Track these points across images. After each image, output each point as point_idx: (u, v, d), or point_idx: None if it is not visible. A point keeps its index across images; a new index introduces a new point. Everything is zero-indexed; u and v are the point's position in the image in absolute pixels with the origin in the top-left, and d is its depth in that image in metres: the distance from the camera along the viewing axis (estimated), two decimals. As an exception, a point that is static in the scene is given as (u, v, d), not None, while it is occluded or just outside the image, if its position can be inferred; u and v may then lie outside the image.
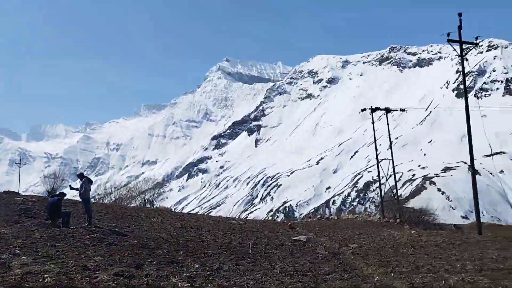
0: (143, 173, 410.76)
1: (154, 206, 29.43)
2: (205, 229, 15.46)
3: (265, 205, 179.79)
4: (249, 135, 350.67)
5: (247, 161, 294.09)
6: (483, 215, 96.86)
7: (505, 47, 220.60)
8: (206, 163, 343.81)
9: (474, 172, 18.67)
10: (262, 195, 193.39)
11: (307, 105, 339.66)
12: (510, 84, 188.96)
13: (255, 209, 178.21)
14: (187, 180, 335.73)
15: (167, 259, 9.30)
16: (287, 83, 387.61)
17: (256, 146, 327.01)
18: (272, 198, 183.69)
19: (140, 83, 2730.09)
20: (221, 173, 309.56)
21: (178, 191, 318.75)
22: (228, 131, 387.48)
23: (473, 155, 19.00)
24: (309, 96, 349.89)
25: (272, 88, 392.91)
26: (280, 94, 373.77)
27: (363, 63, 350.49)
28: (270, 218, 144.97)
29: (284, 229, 18.85)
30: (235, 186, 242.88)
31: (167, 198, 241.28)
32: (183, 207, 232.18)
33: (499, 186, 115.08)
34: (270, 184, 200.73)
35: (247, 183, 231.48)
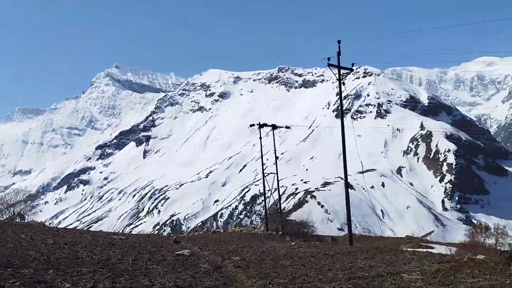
0: (14, 183, 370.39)
1: (25, 221, 26.60)
2: (81, 245, 14.34)
3: (151, 219, 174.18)
4: (137, 146, 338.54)
5: (134, 173, 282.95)
6: (356, 227, 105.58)
7: (378, 75, 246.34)
8: (89, 173, 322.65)
9: (347, 187, 20.24)
10: (149, 208, 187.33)
11: (199, 117, 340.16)
12: (381, 108, 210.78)
13: (141, 223, 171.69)
14: (65, 192, 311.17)
15: (34, 279, 8.38)
16: (179, 94, 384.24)
17: (144, 157, 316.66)
18: (159, 211, 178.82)
19: (14, 85, 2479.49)
20: (105, 184, 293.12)
21: (55, 204, 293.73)
22: (114, 140, 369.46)
23: (347, 171, 20.61)
24: (201, 108, 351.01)
25: (164, 99, 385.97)
26: (172, 105, 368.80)
27: (254, 80, 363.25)
28: (156, 232, 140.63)
29: (169, 243, 18.36)
30: (120, 199, 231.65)
31: (41, 211, 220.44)
32: (59, 222, 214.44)
33: (370, 200, 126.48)
34: (158, 197, 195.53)
35: (133, 196, 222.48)
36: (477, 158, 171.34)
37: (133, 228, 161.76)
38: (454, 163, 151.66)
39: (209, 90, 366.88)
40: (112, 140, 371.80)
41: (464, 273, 9.41)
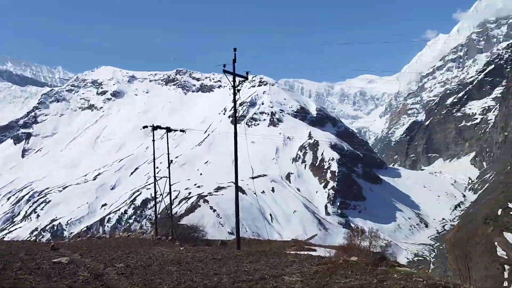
0: None
1: None
2: None
3: (28, 224, 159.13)
4: (15, 144, 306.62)
5: (10, 173, 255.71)
6: (246, 231, 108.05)
7: (272, 85, 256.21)
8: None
9: (237, 191, 20.66)
10: (26, 212, 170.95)
11: (88, 116, 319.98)
12: (274, 116, 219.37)
13: (16, 229, 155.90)
14: None
15: None
16: (67, 90, 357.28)
17: (23, 157, 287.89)
18: (38, 215, 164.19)
19: None
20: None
21: None
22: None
23: (238, 176, 21.03)
24: (91, 107, 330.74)
25: (49, 94, 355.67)
26: (58, 101, 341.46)
27: (150, 81, 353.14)
28: (33, 238, 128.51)
29: (45, 250, 16.93)
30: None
31: None
32: None
33: (260, 205, 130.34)
34: (37, 200, 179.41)
35: (8, 198, 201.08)
36: (357, 167, 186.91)
37: (6, 234, 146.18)
38: (336, 171, 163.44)
39: (101, 87, 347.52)
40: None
41: (338, 274, 10.17)
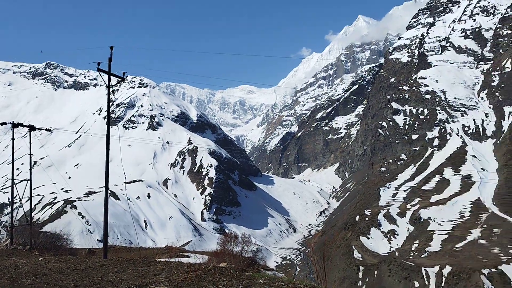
0: None
1: None
2: None
3: None
4: None
5: None
6: (118, 238, 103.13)
7: (153, 87, 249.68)
8: None
9: (107, 196, 19.63)
10: None
11: None
12: (153, 120, 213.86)
13: None
14: None
15: None
16: None
17: None
18: None
19: None
20: None
21: None
22: None
23: (108, 180, 20.00)
24: None
25: None
26: None
27: (14, 72, 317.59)
28: None
29: None
30: None
31: None
32: None
33: (134, 211, 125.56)
34: None
35: None
36: (234, 173, 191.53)
37: None
38: (214, 178, 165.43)
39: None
40: None
41: (206, 281, 10.25)
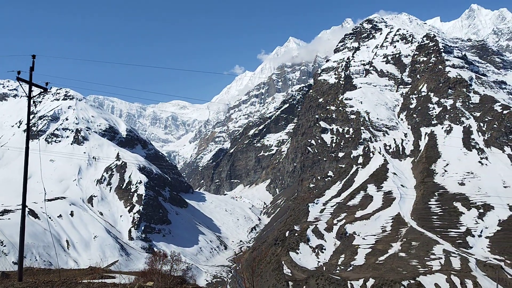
0: None
1: None
2: None
3: None
4: None
5: None
6: (36, 259, 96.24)
7: (80, 100, 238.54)
8: None
9: (24, 214, 18.38)
10: None
11: None
12: (79, 134, 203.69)
13: None
14: None
15: None
16: None
17: None
18: None
19: None
20: None
21: None
22: None
23: (26, 198, 18.76)
24: None
25: None
26: None
27: None
28: None
29: None
30: None
31: None
32: None
33: (55, 231, 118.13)
34: None
35: None
36: (164, 190, 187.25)
37: None
38: (144, 194, 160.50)
39: None
40: None
41: (131, 299, 9.93)
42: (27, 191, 18.46)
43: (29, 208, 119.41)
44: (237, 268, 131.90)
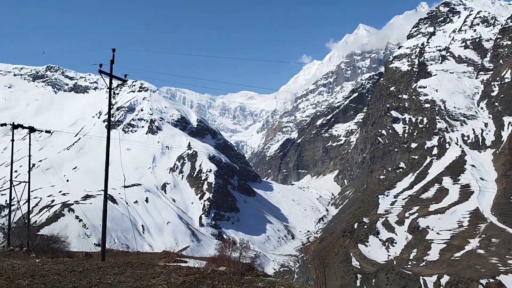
0: None
1: None
2: None
3: None
4: None
5: None
6: (115, 242, 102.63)
7: (153, 91, 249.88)
8: None
9: (106, 200, 19.56)
10: None
11: None
12: (153, 124, 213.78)
13: None
14: None
15: None
16: None
17: None
18: None
19: None
20: None
21: None
22: None
23: (108, 184, 19.93)
24: None
25: None
26: None
27: (14, 75, 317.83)
28: None
29: None
30: None
31: None
32: None
33: (132, 216, 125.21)
34: None
35: None
36: (233, 179, 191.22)
37: None
38: (213, 183, 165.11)
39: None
40: None
41: (205, 284, 10.18)
42: (108, 178, 19.58)
43: (108, 194, 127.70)
44: (305, 258, 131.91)
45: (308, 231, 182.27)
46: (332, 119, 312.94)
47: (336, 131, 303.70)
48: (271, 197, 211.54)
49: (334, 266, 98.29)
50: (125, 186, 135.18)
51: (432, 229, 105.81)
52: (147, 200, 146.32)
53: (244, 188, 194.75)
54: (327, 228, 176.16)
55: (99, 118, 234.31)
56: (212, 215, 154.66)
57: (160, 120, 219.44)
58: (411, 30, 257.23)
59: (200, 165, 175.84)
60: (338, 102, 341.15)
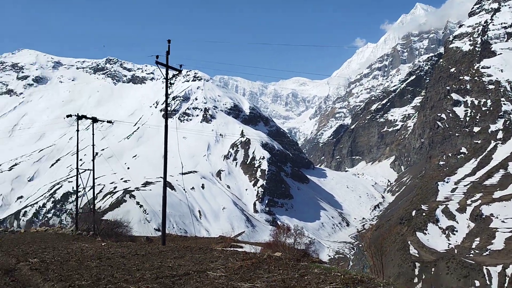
0: None
1: None
2: None
3: None
4: None
5: None
6: (173, 227, 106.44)
7: (207, 80, 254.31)
8: None
9: (165, 187, 20.27)
10: None
11: (6, 101, 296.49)
12: (207, 112, 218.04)
13: None
14: None
15: None
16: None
17: None
18: None
19: None
20: None
21: None
22: None
23: (167, 172, 20.63)
24: (10, 92, 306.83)
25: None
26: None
27: (77, 68, 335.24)
28: None
29: None
30: None
31: None
32: None
33: (189, 201, 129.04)
34: None
35: None
36: (286, 166, 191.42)
37: None
38: (266, 170, 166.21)
39: (22, 72, 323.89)
40: None
41: (262, 269, 10.35)
42: (166, 165, 20.26)
43: (167, 181, 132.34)
44: (361, 245, 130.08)
45: (363, 218, 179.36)
46: (388, 104, 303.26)
47: (392, 116, 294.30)
48: (324, 184, 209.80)
49: (391, 254, 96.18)
50: (182, 173, 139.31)
51: (497, 217, 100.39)
52: (203, 187, 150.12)
53: (297, 175, 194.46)
54: (383, 215, 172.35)
55: (156, 107, 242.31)
56: (266, 201, 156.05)
57: (214, 109, 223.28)
58: (472, 7, 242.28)
59: (253, 152, 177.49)
60: (394, 85, 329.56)
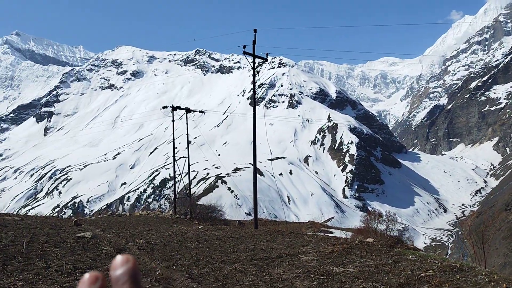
0: None
1: None
2: (-33, 227, 13.17)
3: (50, 200, 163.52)
4: (37, 122, 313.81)
5: (33, 151, 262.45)
6: (263, 212, 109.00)
7: (292, 66, 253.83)
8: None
9: (256, 173, 20.84)
10: (48, 189, 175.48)
11: (108, 95, 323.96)
12: (293, 98, 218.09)
13: (39, 205, 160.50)
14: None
15: None
16: (87, 70, 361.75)
17: (45, 135, 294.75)
18: (60, 192, 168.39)
19: None
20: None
21: None
22: (11, 114, 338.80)
23: (257, 158, 21.19)
24: (111, 86, 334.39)
25: (70, 73, 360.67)
26: (79, 81, 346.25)
27: (169, 61, 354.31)
28: (55, 214, 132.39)
29: (69, 225, 17.53)
30: (15, 178, 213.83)
31: None
32: None
33: (277, 187, 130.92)
34: (59, 178, 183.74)
35: (31, 175, 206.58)
36: (376, 150, 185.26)
37: (29, 210, 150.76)
38: (355, 154, 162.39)
39: (121, 67, 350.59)
40: (9, 114, 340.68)
41: (354, 254, 10.32)
42: (256, 152, 20.82)
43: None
44: (460, 232, 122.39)
45: (463, 204, 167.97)
46: (490, 80, 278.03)
47: (494, 93, 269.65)
48: (418, 168, 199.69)
49: (496, 243, 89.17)
50: (270, 159, 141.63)
51: None
52: (291, 173, 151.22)
53: (388, 160, 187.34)
54: (485, 201, 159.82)
55: (243, 96, 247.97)
56: (356, 187, 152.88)
57: (300, 94, 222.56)
58: None
59: (341, 137, 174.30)
60: (497, 60, 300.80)
